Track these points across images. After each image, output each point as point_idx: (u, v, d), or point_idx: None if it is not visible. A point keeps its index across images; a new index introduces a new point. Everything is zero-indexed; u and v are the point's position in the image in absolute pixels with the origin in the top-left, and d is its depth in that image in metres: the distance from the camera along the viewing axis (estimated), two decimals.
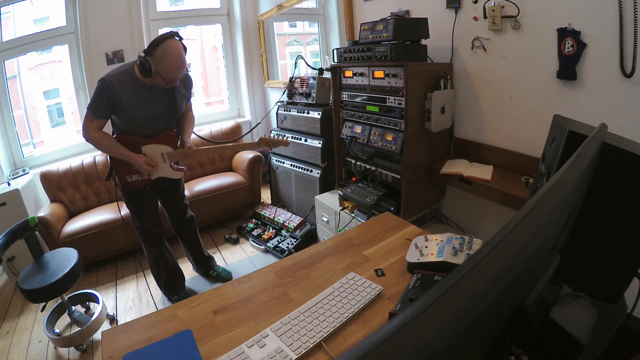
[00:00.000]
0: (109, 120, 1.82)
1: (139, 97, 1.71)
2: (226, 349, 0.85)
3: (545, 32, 1.62)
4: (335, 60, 2.32)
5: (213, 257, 2.56)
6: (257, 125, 2.71)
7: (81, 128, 1.73)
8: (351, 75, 2.24)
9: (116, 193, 2.28)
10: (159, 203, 2.18)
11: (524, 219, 0.35)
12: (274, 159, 3.25)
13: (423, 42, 2.02)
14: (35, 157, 3.35)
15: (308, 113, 2.84)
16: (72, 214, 2.91)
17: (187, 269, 2.51)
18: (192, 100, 2.11)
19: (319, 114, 2.74)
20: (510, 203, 1.68)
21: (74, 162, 3.04)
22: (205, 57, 4.77)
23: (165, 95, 1.81)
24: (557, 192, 0.41)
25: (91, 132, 1.71)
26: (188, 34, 4.57)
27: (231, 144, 1.92)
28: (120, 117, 1.76)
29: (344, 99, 2.36)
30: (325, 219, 2.57)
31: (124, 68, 1.72)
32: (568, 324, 0.48)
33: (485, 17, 1.83)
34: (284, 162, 3.13)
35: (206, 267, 2.49)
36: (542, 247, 0.44)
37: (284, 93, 3.09)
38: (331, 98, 2.54)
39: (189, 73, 1.99)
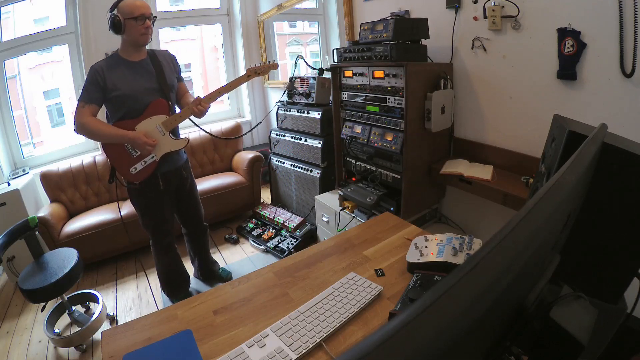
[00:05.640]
0: (105, 117, 1.83)
1: (127, 73, 1.77)
2: (226, 349, 0.85)
3: (545, 32, 1.62)
4: (335, 60, 2.31)
5: (217, 262, 2.56)
6: (257, 125, 2.71)
7: (73, 122, 1.73)
8: (351, 75, 2.24)
9: (117, 194, 2.24)
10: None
11: (524, 219, 0.35)
12: (274, 159, 3.25)
13: (423, 42, 2.02)
14: (35, 157, 3.35)
15: (308, 113, 2.84)
16: (72, 214, 2.91)
17: (189, 269, 2.50)
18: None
19: (319, 114, 2.74)
20: (510, 203, 1.68)
21: (74, 162, 3.04)
22: (205, 57, 4.76)
23: (153, 68, 1.83)
24: (557, 192, 0.41)
25: (82, 117, 1.70)
26: (188, 34, 4.57)
27: (226, 85, 1.97)
28: (112, 95, 1.73)
29: (344, 99, 2.36)
30: (325, 219, 2.57)
31: (110, 54, 1.83)
32: (568, 324, 0.48)
33: (485, 17, 1.83)
34: (284, 162, 3.13)
35: (210, 272, 2.47)
36: (542, 247, 0.43)
37: (284, 93, 3.09)
38: (331, 98, 2.54)
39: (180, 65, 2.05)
